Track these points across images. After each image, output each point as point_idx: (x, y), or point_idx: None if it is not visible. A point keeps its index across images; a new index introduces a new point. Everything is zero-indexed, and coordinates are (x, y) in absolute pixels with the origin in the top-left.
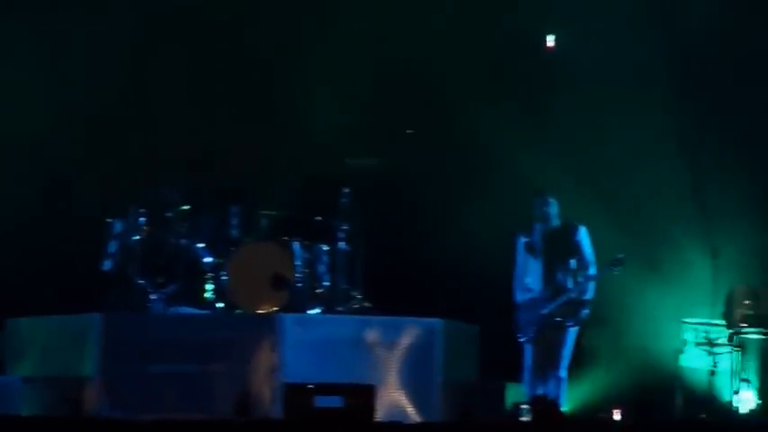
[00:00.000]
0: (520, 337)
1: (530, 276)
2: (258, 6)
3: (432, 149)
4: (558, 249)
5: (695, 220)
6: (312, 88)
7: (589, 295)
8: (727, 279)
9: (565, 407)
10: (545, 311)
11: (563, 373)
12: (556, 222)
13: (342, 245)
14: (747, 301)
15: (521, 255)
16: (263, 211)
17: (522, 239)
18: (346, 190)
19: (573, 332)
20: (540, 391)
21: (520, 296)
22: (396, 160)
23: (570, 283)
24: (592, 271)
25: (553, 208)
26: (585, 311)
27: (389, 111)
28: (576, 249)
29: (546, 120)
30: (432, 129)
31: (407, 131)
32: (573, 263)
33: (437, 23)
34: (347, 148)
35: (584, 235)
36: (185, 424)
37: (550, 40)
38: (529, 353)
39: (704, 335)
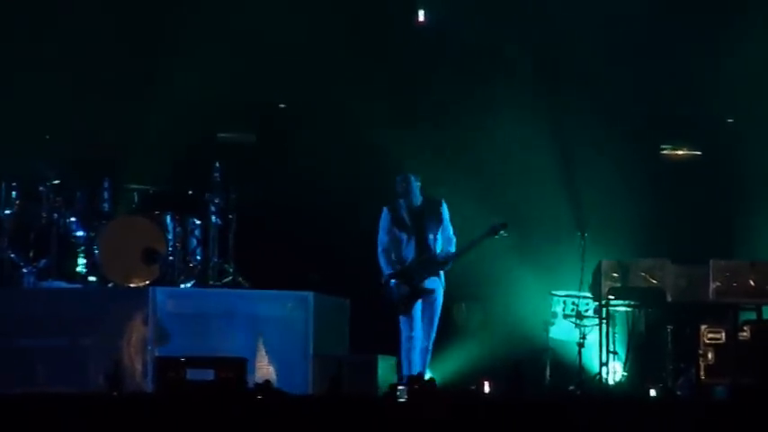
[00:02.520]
0: (397, 311)
1: (396, 251)
2: None
3: (304, 123)
4: (427, 224)
5: (564, 195)
6: (185, 61)
7: (449, 266)
8: (596, 253)
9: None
10: (418, 283)
11: (430, 343)
12: (418, 198)
13: (214, 219)
14: (615, 274)
15: (384, 229)
16: (135, 185)
17: (388, 214)
18: (217, 164)
19: (440, 300)
20: (414, 364)
21: (389, 269)
22: (267, 134)
23: (442, 255)
24: (452, 246)
25: (416, 185)
26: (447, 268)
27: (262, 84)
28: (440, 223)
29: (416, 95)
30: (304, 103)
31: (280, 105)
32: (439, 236)
33: None
34: (219, 122)
35: (445, 209)
36: (56, 397)
37: (421, 15)
38: (406, 325)
39: (572, 307)
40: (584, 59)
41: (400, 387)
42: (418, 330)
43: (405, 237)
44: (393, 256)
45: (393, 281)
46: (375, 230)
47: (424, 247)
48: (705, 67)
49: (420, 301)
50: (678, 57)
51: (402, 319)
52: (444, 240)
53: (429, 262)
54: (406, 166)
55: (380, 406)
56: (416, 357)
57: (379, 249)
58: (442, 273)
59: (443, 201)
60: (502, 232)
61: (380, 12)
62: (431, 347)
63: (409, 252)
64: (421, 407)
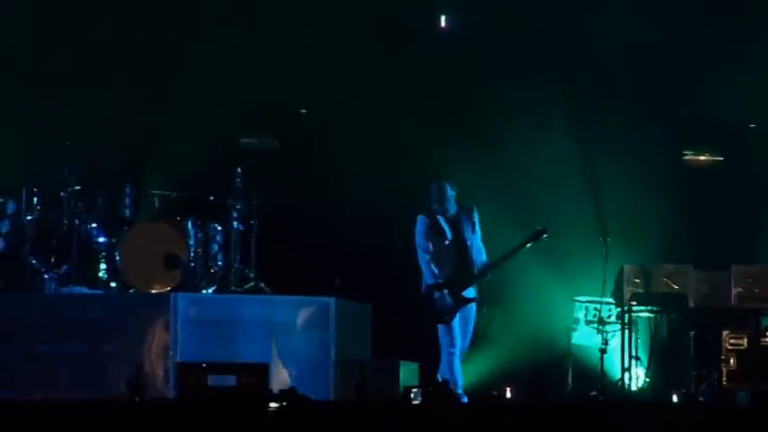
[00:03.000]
0: (440, 321)
1: (436, 259)
2: None
3: (326, 130)
4: (464, 232)
5: (586, 200)
6: (207, 67)
7: (489, 277)
8: (618, 258)
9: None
10: (466, 293)
11: (463, 352)
12: (453, 207)
13: (235, 224)
14: (637, 280)
15: (423, 235)
16: (156, 191)
17: (424, 221)
18: (239, 170)
19: (475, 309)
20: (457, 375)
21: (431, 280)
22: (289, 140)
23: (477, 263)
24: (483, 254)
25: (451, 193)
26: (487, 278)
27: (284, 90)
28: (474, 230)
29: (441, 100)
30: (327, 109)
31: (301, 111)
32: (476, 243)
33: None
34: (241, 128)
35: (477, 216)
36: (78, 404)
37: (443, 20)
38: (446, 336)
39: (595, 313)
40: (607, 65)
41: (414, 390)
42: (458, 340)
43: (444, 245)
44: (432, 265)
45: (437, 293)
46: (400, 236)
47: (464, 256)
48: (727, 72)
49: (464, 312)
50: (700, 62)
51: (441, 328)
52: (475, 248)
53: (470, 273)
54: (433, 173)
55: (396, 409)
56: (458, 371)
57: (422, 257)
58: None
59: (475, 207)
60: (544, 236)
61: (404, 15)
62: (464, 357)
63: (449, 260)
64: (435, 410)
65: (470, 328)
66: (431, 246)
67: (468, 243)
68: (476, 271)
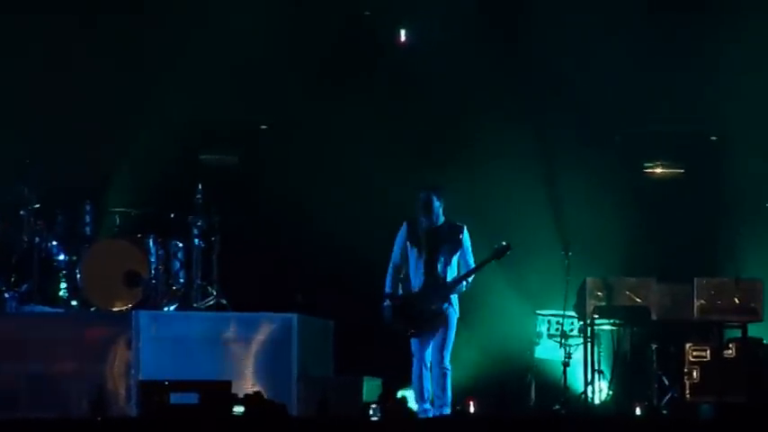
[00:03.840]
0: (397, 330)
1: (405, 267)
2: None
3: (284, 146)
4: (441, 246)
5: (547, 213)
6: (167, 84)
7: (462, 289)
8: (580, 272)
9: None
10: (426, 307)
11: (448, 363)
12: (440, 218)
13: (197, 241)
14: (599, 293)
15: (398, 244)
16: (117, 208)
17: (406, 228)
18: (200, 186)
19: (454, 322)
20: (426, 389)
21: (388, 289)
22: (250, 156)
23: (450, 278)
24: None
25: (437, 204)
26: (455, 298)
27: (244, 107)
28: (459, 248)
29: (399, 113)
30: (285, 126)
31: (262, 127)
32: (454, 260)
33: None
34: (201, 144)
35: (466, 236)
36: (40, 423)
37: (402, 35)
38: (416, 348)
39: (557, 326)
40: (568, 76)
41: (373, 406)
42: (428, 355)
43: (415, 254)
44: (402, 272)
45: (387, 302)
46: (362, 251)
47: (431, 268)
48: (688, 84)
49: (431, 325)
50: (660, 74)
51: (413, 341)
52: (463, 266)
53: (435, 286)
54: (423, 182)
55: (356, 426)
56: (427, 383)
57: (390, 264)
58: (453, 297)
59: (465, 227)
60: (507, 253)
61: (363, 31)
62: (449, 370)
63: (417, 271)
64: (393, 426)
65: (440, 341)
66: (399, 254)
67: (441, 257)
68: (446, 283)
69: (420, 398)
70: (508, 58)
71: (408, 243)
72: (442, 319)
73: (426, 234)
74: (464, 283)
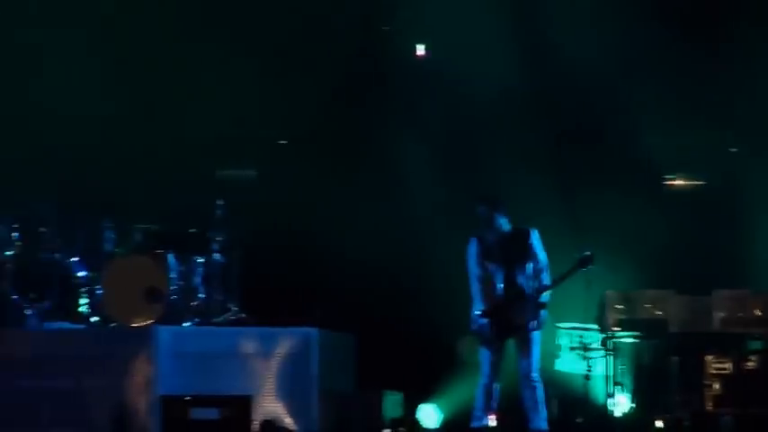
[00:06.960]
0: (488, 344)
1: (485, 283)
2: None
3: (303, 160)
4: (515, 254)
5: (567, 227)
6: (186, 101)
7: (545, 298)
8: (600, 285)
9: (544, 409)
10: (515, 317)
11: (536, 375)
12: (505, 227)
13: (217, 256)
14: (620, 306)
15: (474, 260)
16: (137, 225)
17: (477, 244)
18: (220, 202)
19: (538, 335)
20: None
21: (479, 305)
22: (269, 171)
23: (529, 288)
24: (546, 276)
25: (497, 214)
26: (545, 313)
27: (263, 122)
28: (530, 253)
29: (417, 128)
30: (306, 139)
31: (280, 142)
32: (530, 267)
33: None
34: (221, 160)
35: (536, 238)
36: None
37: (421, 49)
38: (487, 359)
39: (578, 339)
40: (587, 90)
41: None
42: (489, 368)
43: (493, 269)
44: (481, 288)
45: (482, 320)
46: (384, 265)
47: (511, 281)
48: (708, 97)
49: (514, 337)
50: (681, 87)
51: (484, 354)
52: (535, 272)
53: (519, 298)
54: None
55: None
56: (525, 392)
57: (471, 282)
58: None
59: (533, 230)
60: (588, 266)
61: (382, 43)
62: (537, 380)
63: (498, 285)
64: None
65: (533, 354)
66: (479, 270)
67: (518, 267)
68: (528, 295)
69: (483, 413)
70: (526, 69)
71: (481, 258)
72: (527, 330)
73: (496, 246)
74: (546, 294)
